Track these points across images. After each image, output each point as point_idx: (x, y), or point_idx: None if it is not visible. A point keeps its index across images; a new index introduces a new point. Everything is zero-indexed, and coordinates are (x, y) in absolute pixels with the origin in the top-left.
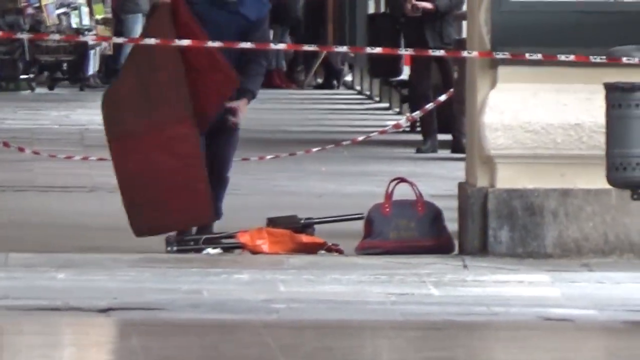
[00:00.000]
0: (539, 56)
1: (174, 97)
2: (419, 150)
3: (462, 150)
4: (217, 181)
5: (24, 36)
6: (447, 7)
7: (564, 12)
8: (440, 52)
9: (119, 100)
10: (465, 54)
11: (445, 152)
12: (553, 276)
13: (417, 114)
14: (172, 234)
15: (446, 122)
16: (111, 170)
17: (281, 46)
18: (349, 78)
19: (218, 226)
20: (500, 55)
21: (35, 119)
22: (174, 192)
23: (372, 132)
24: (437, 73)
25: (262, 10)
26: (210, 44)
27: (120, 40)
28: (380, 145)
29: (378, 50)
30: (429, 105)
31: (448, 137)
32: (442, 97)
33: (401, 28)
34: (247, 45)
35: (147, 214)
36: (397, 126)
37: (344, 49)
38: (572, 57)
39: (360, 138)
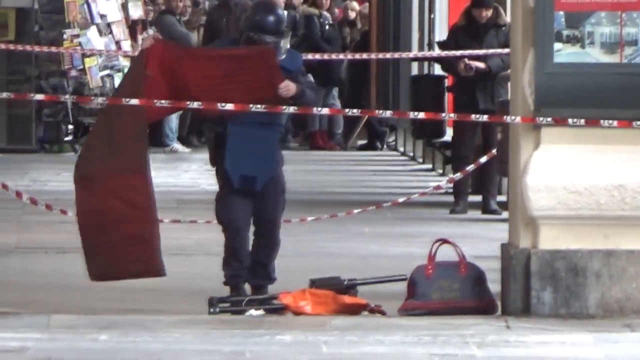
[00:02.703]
0: (582, 122)
1: (131, 148)
2: (452, 212)
3: (491, 212)
4: (269, 244)
5: (69, 99)
6: (499, 68)
7: (607, 74)
8: (484, 118)
9: (88, 144)
10: (508, 119)
11: (477, 213)
12: (596, 337)
13: (458, 175)
14: (215, 295)
15: (478, 183)
16: None
17: (325, 111)
18: (392, 139)
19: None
20: (543, 121)
21: None
22: (124, 241)
23: (414, 193)
24: (480, 133)
25: (297, 60)
26: (256, 108)
27: (163, 102)
28: (423, 206)
29: (421, 115)
30: (469, 167)
31: (478, 198)
32: (483, 159)
33: (450, 88)
34: (291, 110)
35: (100, 259)
36: (437, 188)
37: (387, 114)
38: (614, 123)
39: (401, 200)
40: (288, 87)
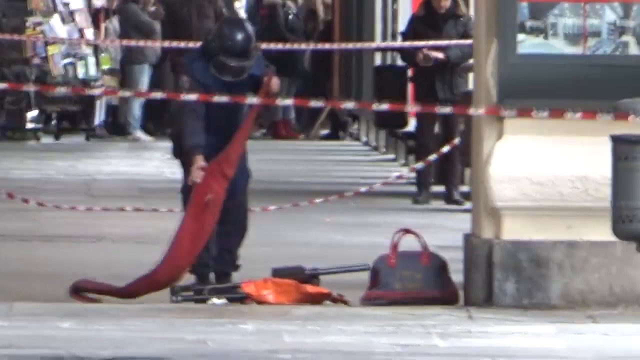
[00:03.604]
0: (546, 114)
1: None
2: (415, 202)
3: (453, 202)
4: (236, 229)
5: (32, 88)
6: (458, 58)
7: (570, 65)
8: (448, 109)
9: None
10: (472, 111)
11: (440, 204)
12: (558, 328)
13: (420, 165)
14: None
15: (441, 174)
16: (116, 220)
17: (288, 101)
18: (355, 129)
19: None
20: (507, 114)
21: (41, 168)
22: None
23: (376, 183)
24: (441, 123)
25: (261, 62)
26: (217, 98)
27: (127, 93)
28: (386, 196)
29: (384, 107)
30: (432, 157)
31: (441, 188)
32: (445, 149)
33: (411, 78)
34: (254, 100)
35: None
36: (400, 177)
37: (351, 104)
38: (579, 115)
39: (363, 189)
40: (275, 84)
